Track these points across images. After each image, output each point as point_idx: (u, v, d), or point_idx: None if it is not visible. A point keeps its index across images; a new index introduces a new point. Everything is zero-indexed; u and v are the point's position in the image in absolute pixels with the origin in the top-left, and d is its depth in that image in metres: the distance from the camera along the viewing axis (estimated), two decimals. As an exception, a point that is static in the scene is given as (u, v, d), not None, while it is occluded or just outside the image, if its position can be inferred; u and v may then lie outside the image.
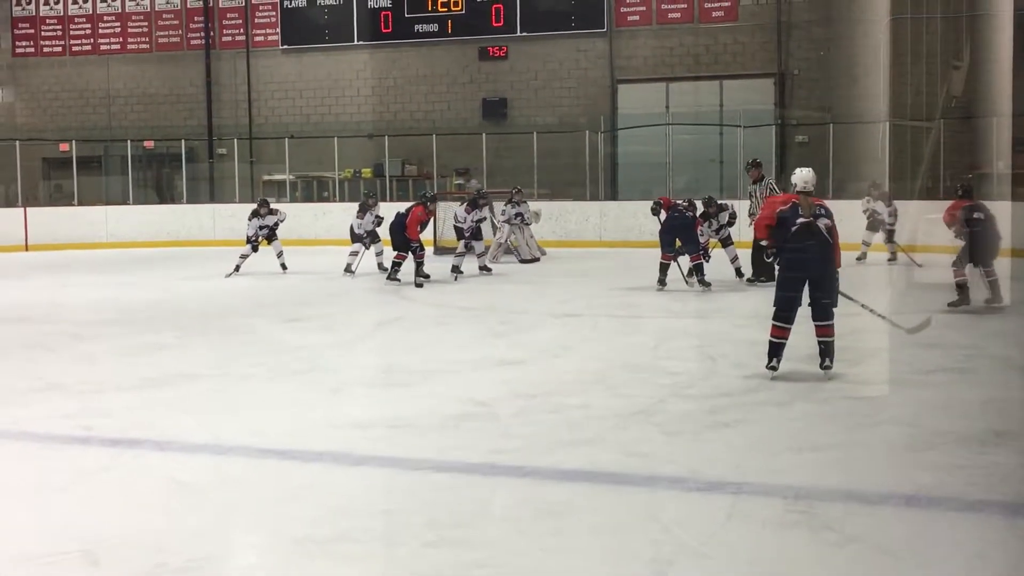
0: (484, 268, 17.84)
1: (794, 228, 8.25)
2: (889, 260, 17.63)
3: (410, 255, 16.06)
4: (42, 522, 5.25)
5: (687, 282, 14.54)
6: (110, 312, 13.42)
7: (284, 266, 18.32)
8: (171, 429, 7.16)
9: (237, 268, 17.74)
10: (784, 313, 8.26)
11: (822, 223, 8.27)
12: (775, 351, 8.30)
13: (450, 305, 13.89)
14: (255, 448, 6.61)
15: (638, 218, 22.65)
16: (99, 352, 10.46)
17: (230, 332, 11.76)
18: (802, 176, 8.62)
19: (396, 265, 16.25)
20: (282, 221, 18.46)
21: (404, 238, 16.03)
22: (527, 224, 20.43)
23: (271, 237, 18.32)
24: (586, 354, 10.11)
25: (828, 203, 8.69)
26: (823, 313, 8.23)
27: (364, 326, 12.26)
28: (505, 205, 19.99)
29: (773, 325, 8.31)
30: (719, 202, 15.68)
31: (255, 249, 18.18)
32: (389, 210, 17.91)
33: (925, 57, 22.94)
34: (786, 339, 8.28)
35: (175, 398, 8.17)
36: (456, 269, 17.01)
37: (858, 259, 17.27)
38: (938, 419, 7.10)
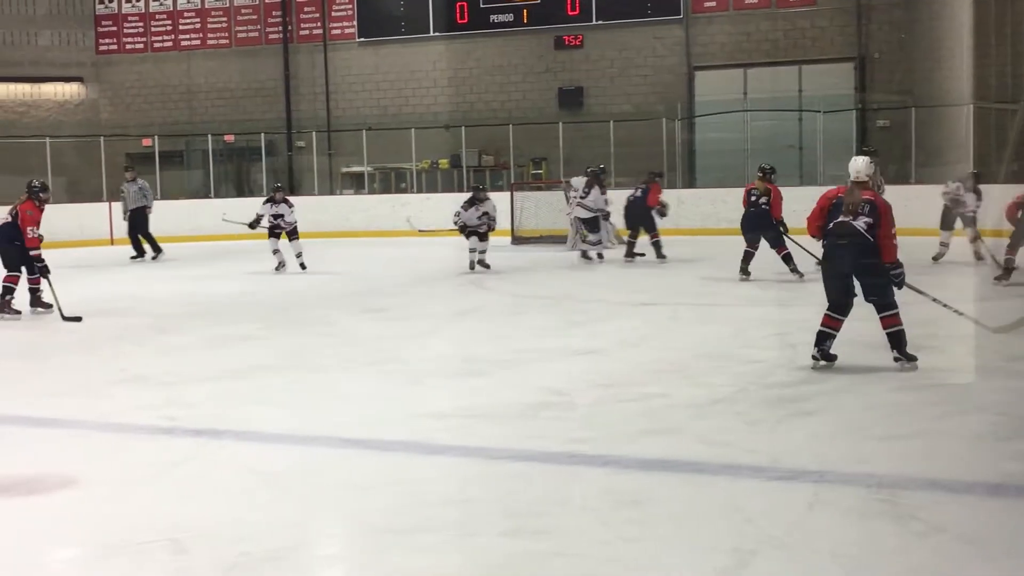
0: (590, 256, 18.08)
1: (830, 226, 8.06)
2: (977, 258, 15.59)
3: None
4: (129, 512, 5.33)
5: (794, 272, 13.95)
6: (192, 304, 13.60)
7: (303, 265, 17.28)
8: (253, 420, 7.24)
9: (281, 264, 17.27)
10: (835, 307, 8.11)
11: (861, 222, 7.89)
12: (821, 340, 8.13)
13: (527, 294, 13.89)
14: (335, 438, 6.66)
15: (716, 205, 22.50)
16: (182, 344, 10.60)
17: (309, 323, 11.86)
18: (854, 166, 8.25)
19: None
20: (294, 223, 17.62)
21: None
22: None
23: (292, 235, 17.49)
24: (664, 343, 10.05)
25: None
26: (878, 307, 8.04)
27: (441, 316, 12.29)
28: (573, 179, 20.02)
29: (824, 314, 8.17)
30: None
31: (253, 227, 17.58)
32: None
33: (1011, 36, 22.45)
34: (836, 330, 8.10)
35: (256, 389, 8.25)
36: (586, 255, 17.99)
37: (934, 259, 15.39)
38: (1026, 407, 6.97)
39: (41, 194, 12.64)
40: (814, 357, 8.13)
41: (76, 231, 24.35)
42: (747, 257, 14.20)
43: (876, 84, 25.31)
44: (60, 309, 12.03)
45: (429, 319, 12.02)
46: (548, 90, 27.72)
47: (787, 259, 14.02)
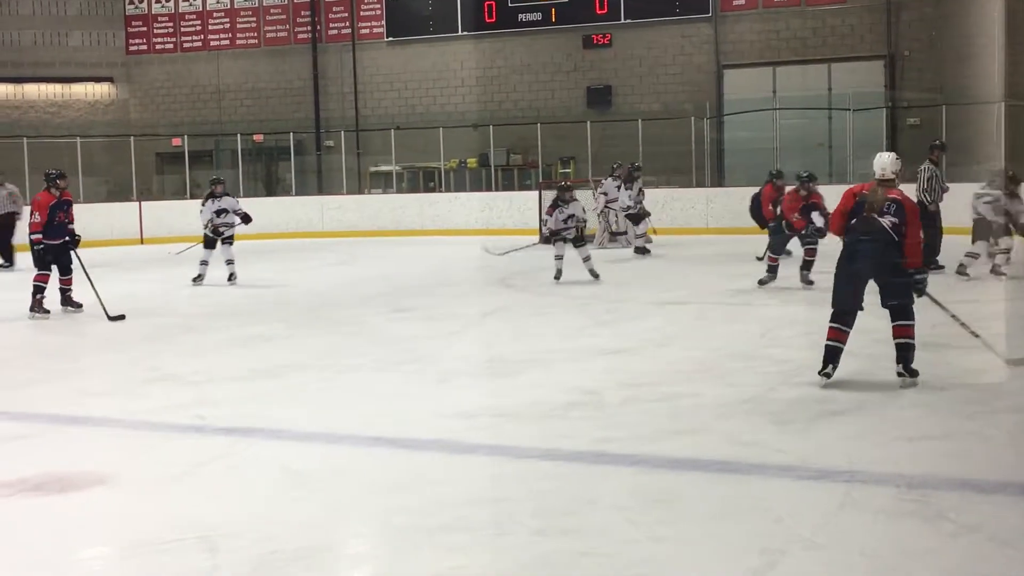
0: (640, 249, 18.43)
1: (853, 221, 7.60)
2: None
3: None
4: (159, 510, 5.37)
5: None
6: (221, 304, 13.66)
7: (232, 276, 15.55)
8: (282, 419, 7.28)
9: (200, 277, 15.55)
10: (840, 314, 7.61)
11: (887, 221, 7.45)
12: (830, 356, 7.60)
13: (554, 294, 13.87)
14: (363, 437, 6.69)
15: (745, 204, 22.37)
16: (211, 343, 10.66)
17: (337, 323, 11.89)
18: (879, 163, 7.79)
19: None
20: (239, 215, 15.67)
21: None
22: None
23: (229, 239, 15.69)
24: (693, 343, 10.04)
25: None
26: (894, 313, 7.58)
27: (469, 316, 12.30)
28: (605, 180, 20.21)
29: (829, 327, 7.64)
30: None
31: (215, 235, 15.53)
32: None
33: (1042, 34, 22.31)
34: (843, 343, 7.60)
35: (285, 388, 8.29)
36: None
37: (958, 272, 13.54)
38: (1058, 407, 6.92)
39: (59, 180, 12.74)
40: (825, 375, 7.60)
41: (106, 230, 24.49)
42: (773, 269, 13.54)
43: (906, 82, 25.18)
44: (105, 309, 12.01)
45: (457, 319, 12.04)
46: (576, 89, 27.72)
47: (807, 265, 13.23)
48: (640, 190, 19.47)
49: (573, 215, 14.78)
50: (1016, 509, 5.06)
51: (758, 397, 7.42)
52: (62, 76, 30.33)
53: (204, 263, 15.64)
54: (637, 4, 26.93)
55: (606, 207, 20.14)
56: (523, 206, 24.10)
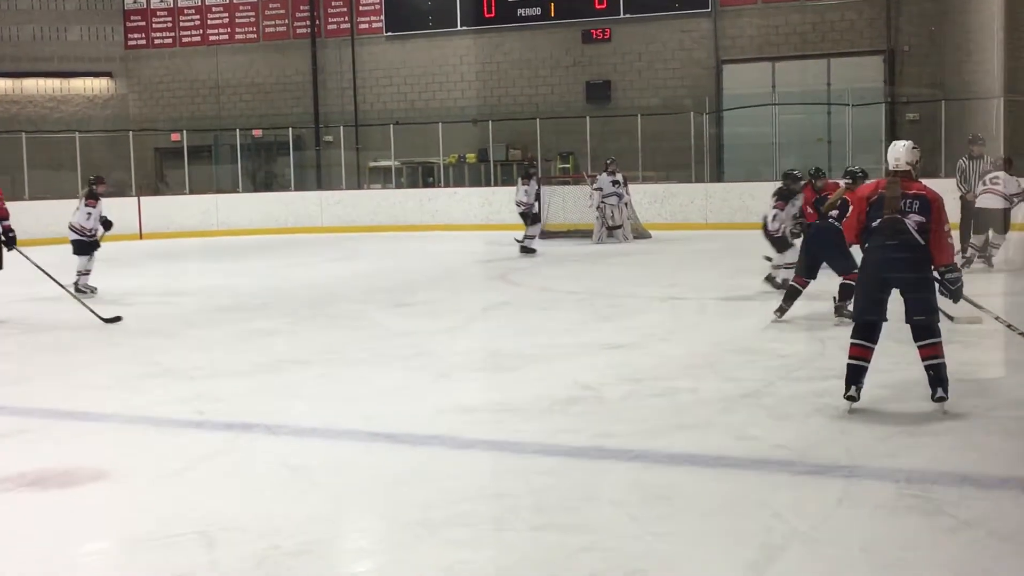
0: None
1: (875, 224, 6.73)
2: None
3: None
4: (159, 505, 5.37)
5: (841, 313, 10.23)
6: (222, 299, 13.66)
7: (80, 289, 13.56)
8: (283, 414, 7.28)
9: (77, 284, 13.65)
10: (863, 329, 6.77)
11: (912, 221, 6.63)
12: (854, 376, 6.72)
13: (556, 289, 13.89)
14: (365, 432, 6.69)
15: (744, 199, 22.43)
16: (212, 338, 10.67)
17: (339, 318, 11.90)
18: (894, 152, 6.95)
19: None
20: (103, 222, 14.20)
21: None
22: (623, 201, 20.46)
23: (94, 245, 14.09)
24: (693, 337, 10.04)
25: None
26: (919, 332, 6.69)
27: (470, 311, 12.31)
28: (600, 175, 20.30)
29: (851, 343, 6.81)
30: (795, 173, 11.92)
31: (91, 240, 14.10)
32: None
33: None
34: (867, 361, 6.73)
35: (286, 383, 8.30)
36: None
37: (962, 266, 12.39)
38: (1057, 402, 6.92)
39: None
40: (851, 398, 6.71)
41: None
42: (794, 294, 10.60)
43: (905, 77, 25.18)
44: (96, 313, 11.48)
45: (458, 314, 12.05)
46: (575, 84, 27.72)
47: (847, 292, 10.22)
48: (538, 189, 19.45)
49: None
50: (1016, 505, 5.07)
51: (758, 392, 7.42)
52: (61, 71, 30.31)
53: (86, 272, 14.03)
54: (636, -1, 26.96)
55: (602, 202, 20.18)
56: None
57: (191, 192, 27.53)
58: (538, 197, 19.20)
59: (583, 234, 20.90)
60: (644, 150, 25.06)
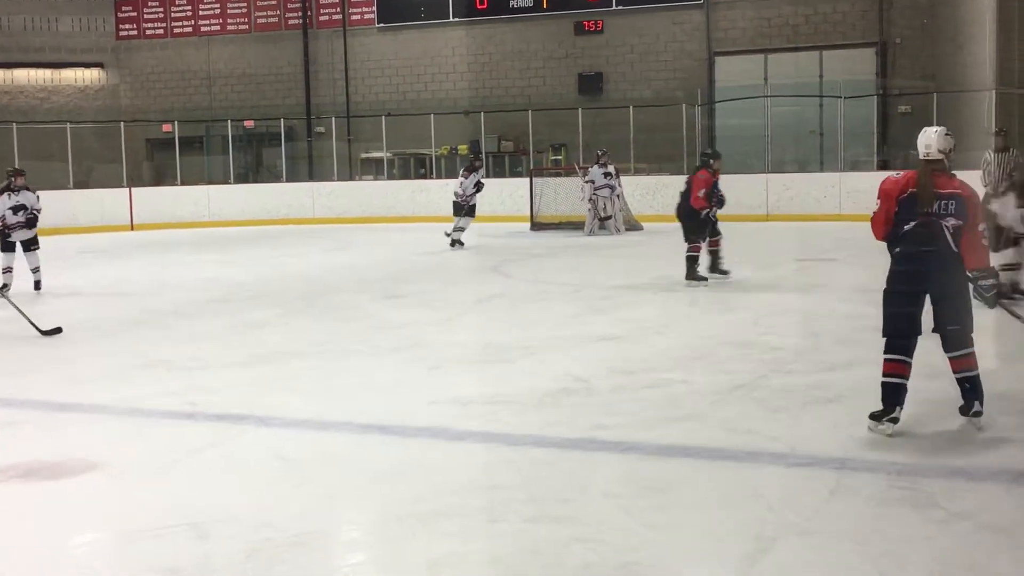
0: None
1: (907, 227, 5.99)
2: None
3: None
4: (151, 497, 5.36)
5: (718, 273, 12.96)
6: (213, 290, 13.64)
7: (39, 284, 13.56)
8: (275, 406, 7.26)
9: (7, 286, 12.78)
10: (897, 340, 6.03)
11: (948, 224, 5.91)
12: (892, 396, 5.99)
13: (548, 281, 13.88)
14: (357, 424, 6.68)
15: (736, 192, 22.37)
16: (203, 330, 10.65)
17: (331, 309, 11.89)
18: (924, 139, 6.18)
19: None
20: (38, 212, 13.68)
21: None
22: (615, 193, 20.46)
23: (32, 242, 13.58)
24: (686, 330, 10.05)
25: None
26: (952, 342, 6.08)
27: (463, 303, 12.30)
28: (591, 167, 20.31)
29: (885, 360, 6.08)
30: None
31: (5, 235, 13.41)
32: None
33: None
34: (906, 378, 6.01)
35: (278, 375, 8.28)
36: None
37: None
38: (1049, 394, 6.92)
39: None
40: (892, 421, 5.99)
41: (97, 216, 24.48)
42: (692, 260, 12.87)
43: (898, 69, 25.20)
44: (32, 322, 10.30)
45: (451, 306, 12.03)
46: (568, 76, 27.72)
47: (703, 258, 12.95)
48: (479, 182, 18.80)
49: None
50: (1007, 496, 5.07)
51: (751, 384, 7.42)
52: (52, 61, 30.26)
53: (8, 270, 13.50)
54: (629, -10, 26.93)
55: (594, 194, 20.19)
56: (514, 193, 24.06)
57: (182, 183, 27.47)
58: (478, 190, 18.57)
59: (575, 226, 20.90)
60: (636, 142, 25.05)
